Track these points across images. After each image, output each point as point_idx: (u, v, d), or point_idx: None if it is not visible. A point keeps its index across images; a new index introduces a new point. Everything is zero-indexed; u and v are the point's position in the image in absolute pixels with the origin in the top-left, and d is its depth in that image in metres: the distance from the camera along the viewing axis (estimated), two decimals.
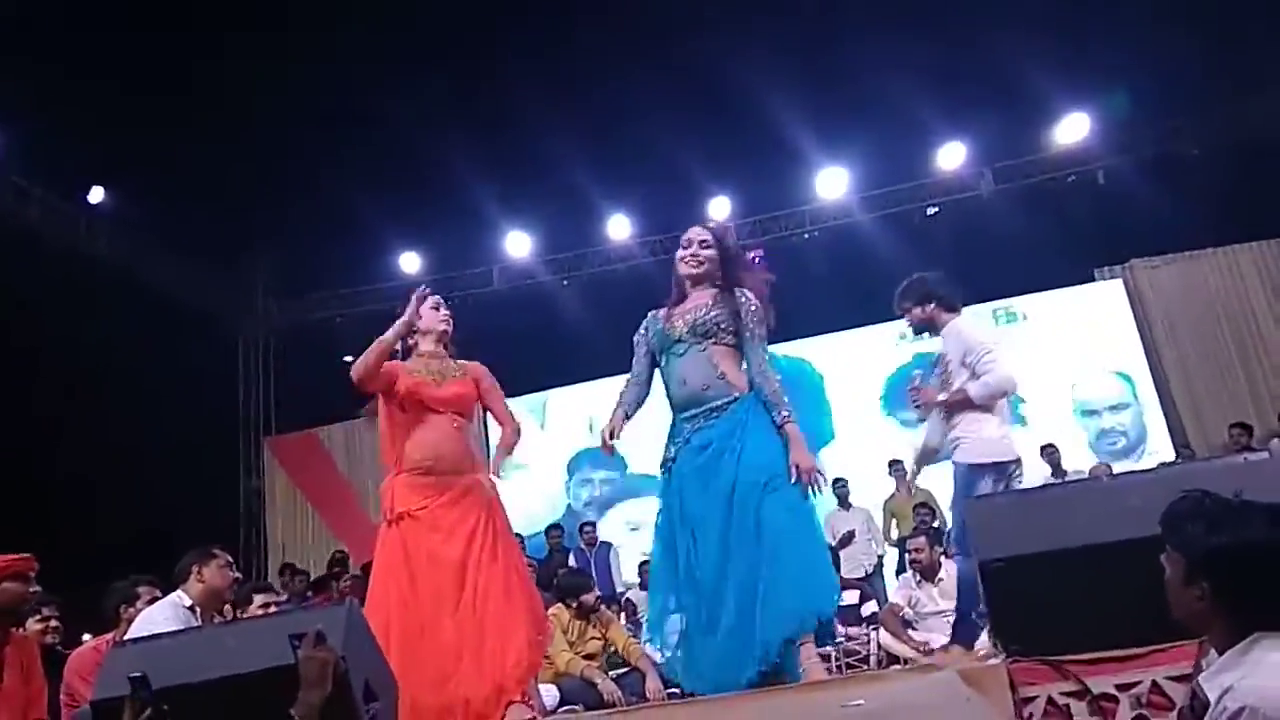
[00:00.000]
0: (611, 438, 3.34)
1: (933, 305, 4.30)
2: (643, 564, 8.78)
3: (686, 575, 3.18)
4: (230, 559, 4.29)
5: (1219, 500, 1.74)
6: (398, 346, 3.59)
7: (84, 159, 9.34)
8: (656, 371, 3.45)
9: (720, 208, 11.34)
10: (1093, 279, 10.81)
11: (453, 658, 3.25)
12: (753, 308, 3.27)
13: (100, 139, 8.62)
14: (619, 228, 11.53)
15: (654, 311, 3.47)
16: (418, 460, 3.48)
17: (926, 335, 4.39)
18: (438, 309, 3.73)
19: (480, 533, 3.43)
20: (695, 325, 3.24)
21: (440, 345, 3.71)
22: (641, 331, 3.48)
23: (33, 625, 4.43)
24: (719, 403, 3.18)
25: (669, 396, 3.32)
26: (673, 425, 3.32)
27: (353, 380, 3.46)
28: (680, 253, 3.42)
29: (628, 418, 3.41)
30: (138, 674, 2.15)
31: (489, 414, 3.82)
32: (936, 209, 10.99)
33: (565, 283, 11.82)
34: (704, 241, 3.39)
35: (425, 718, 3.12)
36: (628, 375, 3.51)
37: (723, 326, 3.24)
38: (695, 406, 3.20)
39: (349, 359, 3.56)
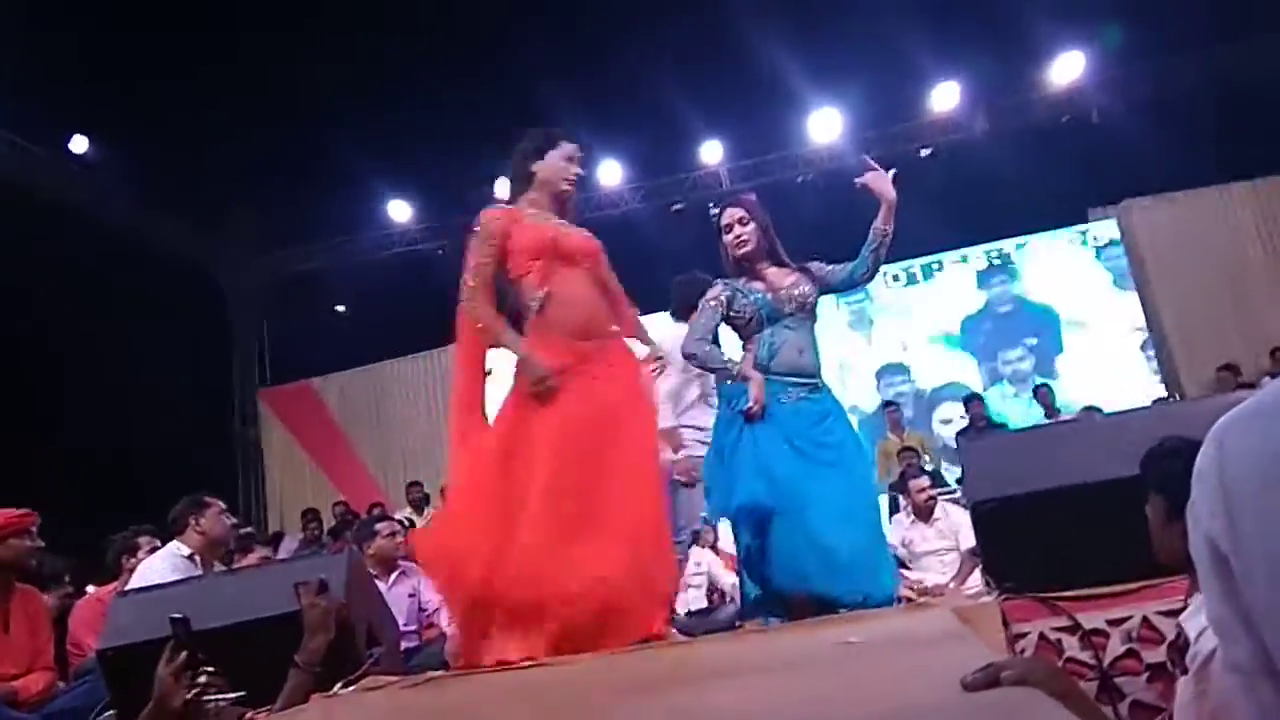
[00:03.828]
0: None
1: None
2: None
3: (786, 490, 3.28)
4: (224, 505, 4.28)
5: (1194, 442, 1.75)
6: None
7: (66, 108, 9.19)
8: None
9: (712, 151, 11.24)
10: (1086, 219, 10.79)
11: (641, 535, 2.84)
12: (825, 269, 3.60)
13: (83, 87, 8.48)
14: (610, 173, 11.44)
15: (729, 282, 3.57)
16: (569, 320, 2.97)
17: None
18: (571, 160, 3.18)
19: (647, 404, 3.10)
20: (805, 305, 3.52)
21: (557, 205, 3.17)
22: (721, 298, 3.53)
23: (51, 600, 4.48)
24: (818, 381, 3.52)
25: (770, 361, 3.45)
26: (767, 384, 3.42)
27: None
28: (726, 237, 3.60)
29: None
30: (179, 615, 2.16)
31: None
32: (930, 150, 10.90)
33: None
34: (742, 219, 3.60)
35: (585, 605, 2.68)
36: (698, 338, 3.51)
37: (815, 304, 3.56)
38: (803, 376, 3.47)
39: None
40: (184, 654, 2.12)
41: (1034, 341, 10.56)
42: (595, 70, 9.69)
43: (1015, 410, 10.10)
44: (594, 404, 2.91)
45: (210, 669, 2.13)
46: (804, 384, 3.45)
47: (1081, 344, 10.40)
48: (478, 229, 3.07)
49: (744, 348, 3.56)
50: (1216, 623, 0.80)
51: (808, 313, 3.54)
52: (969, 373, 10.59)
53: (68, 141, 9.84)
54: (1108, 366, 10.13)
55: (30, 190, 9.43)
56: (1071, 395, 9.64)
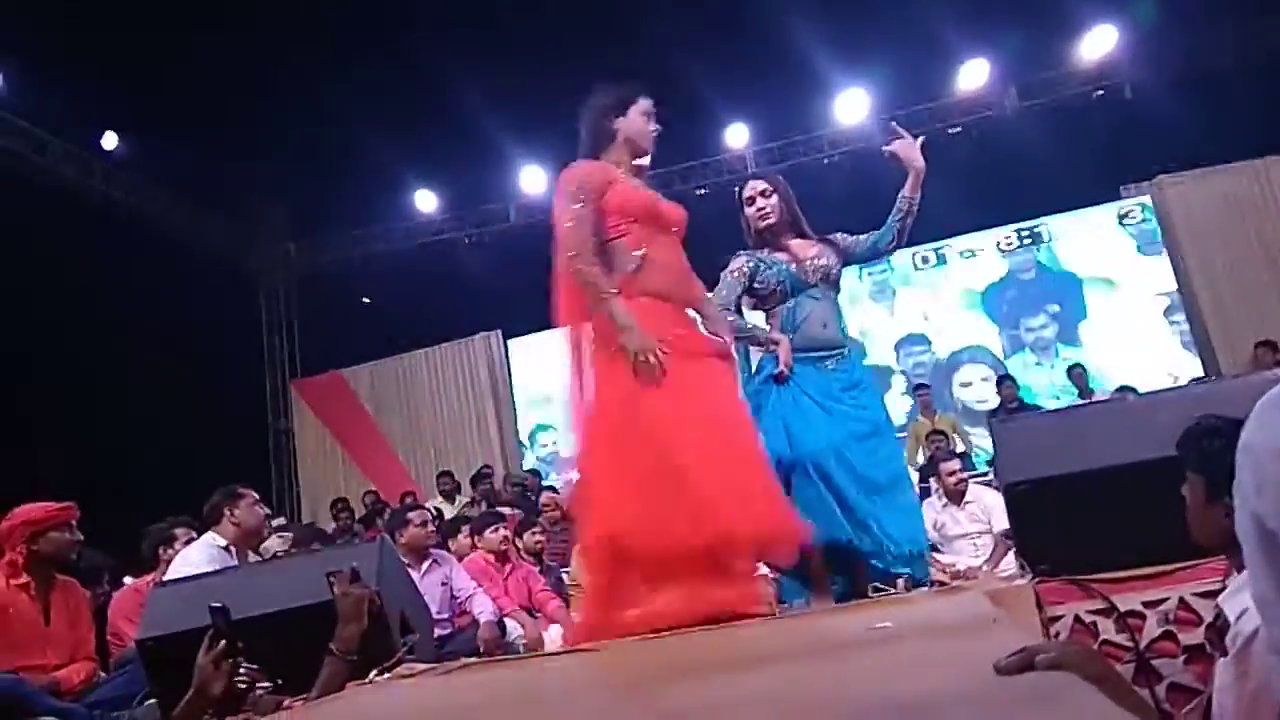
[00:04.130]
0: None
1: None
2: None
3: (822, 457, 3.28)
4: (257, 496, 4.31)
5: (1233, 421, 1.73)
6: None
7: (97, 104, 9.29)
8: None
9: (737, 135, 11.18)
10: (1119, 197, 10.62)
11: (755, 486, 2.75)
12: (849, 240, 3.62)
13: (113, 84, 8.56)
14: None
15: (752, 253, 3.57)
16: (663, 284, 2.89)
17: None
18: (649, 117, 3.03)
19: (735, 373, 3.07)
20: (828, 276, 3.53)
21: (637, 165, 3.04)
22: (744, 269, 3.53)
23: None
24: (845, 350, 3.52)
25: (794, 335, 3.44)
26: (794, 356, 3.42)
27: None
28: (748, 210, 3.61)
29: None
30: (219, 604, 2.19)
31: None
32: (959, 129, 10.76)
33: None
34: (765, 191, 3.61)
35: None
36: (721, 307, 3.41)
37: (839, 275, 3.58)
38: (828, 349, 3.47)
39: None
40: (223, 642, 2.14)
41: (1057, 309, 10.45)
42: (619, 55, 9.64)
43: (1038, 379, 10.04)
44: (694, 363, 2.83)
45: (253, 666, 2.16)
46: (831, 354, 3.44)
47: (1105, 310, 10.29)
48: (570, 183, 2.90)
49: (767, 320, 3.56)
50: (1261, 601, 0.79)
51: (831, 284, 3.54)
52: (990, 339, 10.52)
53: (98, 138, 9.95)
54: (1131, 333, 10.05)
55: (61, 186, 9.55)
56: (1094, 361, 9.58)
